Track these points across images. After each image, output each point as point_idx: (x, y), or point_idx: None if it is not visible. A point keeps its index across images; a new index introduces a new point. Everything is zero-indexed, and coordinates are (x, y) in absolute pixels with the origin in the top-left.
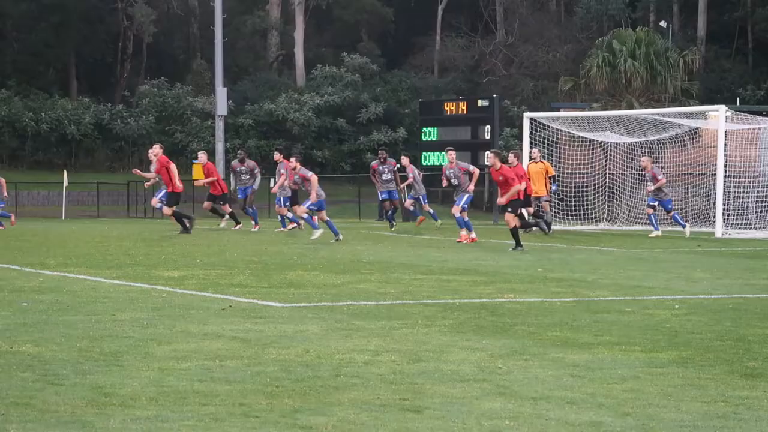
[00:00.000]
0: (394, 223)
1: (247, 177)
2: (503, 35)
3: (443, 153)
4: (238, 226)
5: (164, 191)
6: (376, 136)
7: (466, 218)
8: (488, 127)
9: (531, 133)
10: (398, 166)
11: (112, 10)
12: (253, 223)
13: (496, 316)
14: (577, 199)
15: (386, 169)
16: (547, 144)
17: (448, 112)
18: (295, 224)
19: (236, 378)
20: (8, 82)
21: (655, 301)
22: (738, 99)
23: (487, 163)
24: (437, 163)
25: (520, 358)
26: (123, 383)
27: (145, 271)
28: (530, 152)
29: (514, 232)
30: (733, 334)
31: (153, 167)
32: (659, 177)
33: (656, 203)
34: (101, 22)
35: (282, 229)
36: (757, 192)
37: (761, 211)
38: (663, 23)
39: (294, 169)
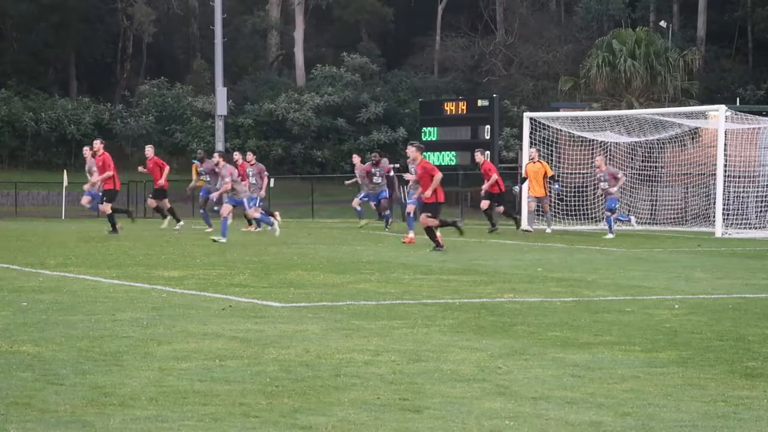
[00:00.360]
0: (389, 225)
1: (207, 178)
2: (503, 35)
3: (443, 153)
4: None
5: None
6: (376, 136)
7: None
8: (488, 127)
9: (531, 133)
10: (392, 169)
11: (112, 10)
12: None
13: (496, 315)
14: (577, 198)
15: (378, 172)
16: (547, 144)
17: (448, 112)
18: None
19: (236, 378)
20: (8, 81)
21: (655, 301)
22: (738, 99)
23: (408, 156)
24: (437, 164)
25: (520, 358)
26: (123, 383)
27: (144, 271)
28: (529, 152)
29: (428, 232)
30: (733, 334)
31: (91, 164)
32: (619, 175)
33: (616, 205)
34: (101, 22)
35: (270, 228)
36: (757, 192)
37: (761, 211)
38: (663, 23)
39: (217, 164)
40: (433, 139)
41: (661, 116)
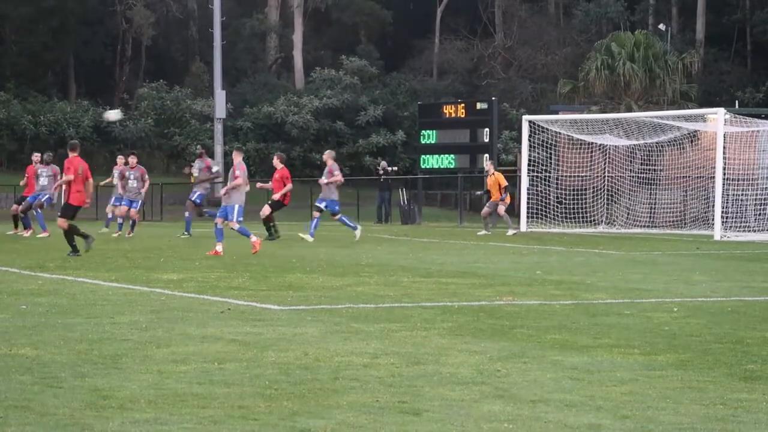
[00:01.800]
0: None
1: (46, 182)
2: (502, 38)
3: (441, 156)
4: None
5: None
6: (375, 138)
7: (221, 226)
8: (487, 129)
9: (530, 136)
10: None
11: (111, 13)
12: (24, 228)
13: (494, 318)
14: (576, 201)
15: (197, 167)
16: (546, 147)
17: (447, 115)
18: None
19: (235, 381)
20: (7, 84)
21: (653, 303)
22: (737, 102)
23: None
24: (435, 166)
25: (519, 361)
26: (122, 386)
27: (143, 274)
28: (485, 166)
29: (67, 236)
30: (731, 337)
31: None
32: (336, 172)
33: (324, 204)
34: (100, 24)
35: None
36: (756, 195)
37: (760, 214)
38: (662, 26)
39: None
40: (432, 142)
41: (660, 119)
